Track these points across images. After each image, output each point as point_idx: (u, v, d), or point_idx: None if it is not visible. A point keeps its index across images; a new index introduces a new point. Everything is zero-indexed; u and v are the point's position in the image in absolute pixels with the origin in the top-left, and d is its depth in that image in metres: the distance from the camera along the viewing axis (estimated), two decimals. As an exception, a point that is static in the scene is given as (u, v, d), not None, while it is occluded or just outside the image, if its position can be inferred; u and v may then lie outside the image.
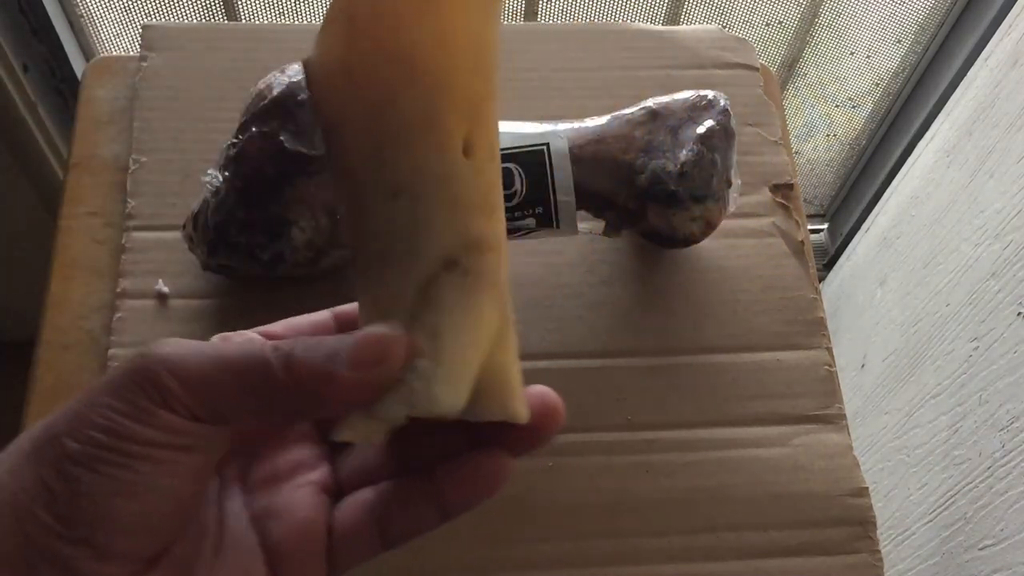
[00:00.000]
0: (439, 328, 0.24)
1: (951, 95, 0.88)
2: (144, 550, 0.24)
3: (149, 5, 0.89)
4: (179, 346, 0.24)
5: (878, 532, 0.45)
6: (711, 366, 0.48)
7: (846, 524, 0.45)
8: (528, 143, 0.42)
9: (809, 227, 0.98)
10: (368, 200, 0.25)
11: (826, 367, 0.49)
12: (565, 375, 0.47)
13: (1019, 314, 0.67)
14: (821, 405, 0.48)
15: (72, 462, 0.22)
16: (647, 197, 0.44)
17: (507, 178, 0.42)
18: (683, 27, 0.59)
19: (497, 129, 0.26)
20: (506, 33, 0.58)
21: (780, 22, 1.00)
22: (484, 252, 0.25)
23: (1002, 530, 0.64)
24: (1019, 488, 0.63)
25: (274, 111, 0.42)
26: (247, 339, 0.27)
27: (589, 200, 0.44)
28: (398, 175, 0.24)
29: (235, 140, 0.43)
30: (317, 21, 0.94)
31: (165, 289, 0.47)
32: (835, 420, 0.47)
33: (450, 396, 0.24)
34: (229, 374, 0.23)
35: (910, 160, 0.95)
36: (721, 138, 0.45)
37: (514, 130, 0.44)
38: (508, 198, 0.42)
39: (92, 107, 0.53)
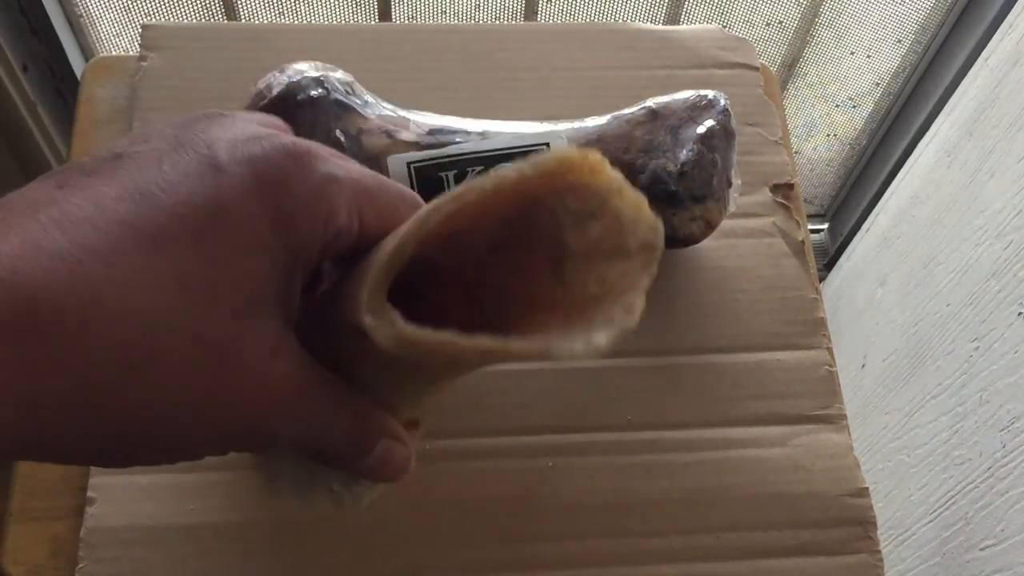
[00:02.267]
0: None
1: (951, 95, 0.88)
2: None
3: (149, 5, 0.89)
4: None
5: (878, 532, 0.45)
6: (711, 366, 0.48)
7: (846, 524, 0.45)
8: (528, 143, 0.42)
9: (809, 227, 0.98)
10: None
11: (826, 367, 0.49)
12: (565, 375, 0.47)
13: (1020, 314, 0.67)
14: (821, 405, 0.48)
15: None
16: (647, 197, 0.44)
17: (507, 178, 0.42)
18: (683, 27, 0.59)
19: None
20: (506, 33, 0.58)
21: (780, 22, 1.00)
22: None
23: (1003, 530, 0.64)
24: (1020, 488, 0.63)
25: (274, 111, 0.42)
26: None
27: (589, 200, 0.44)
28: None
29: (235, 140, 0.43)
30: (317, 21, 0.94)
31: (165, 289, 0.47)
32: (835, 420, 0.47)
33: None
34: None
35: (910, 160, 0.95)
36: (721, 138, 0.45)
37: (514, 130, 0.43)
38: (508, 198, 0.42)
39: (92, 107, 0.53)
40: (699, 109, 0.45)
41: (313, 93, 0.42)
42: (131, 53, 0.56)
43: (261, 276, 0.21)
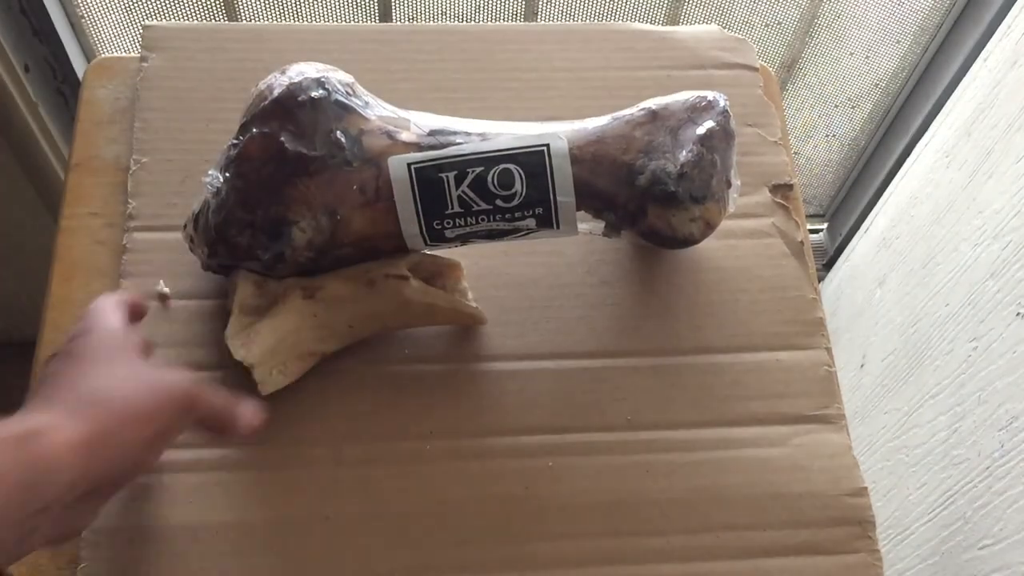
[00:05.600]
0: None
1: (950, 95, 0.88)
2: None
3: (150, 5, 0.89)
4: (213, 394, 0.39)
5: (877, 532, 0.45)
6: (711, 366, 0.48)
7: (845, 524, 0.45)
8: (528, 143, 0.42)
9: (809, 227, 0.98)
10: None
11: (825, 367, 0.49)
12: (565, 375, 0.47)
13: (1018, 314, 0.67)
14: (820, 405, 0.48)
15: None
16: (647, 198, 0.44)
17: (507, 178, 0.42)
18: (683, 27, 0.59)
19: None
20: (506, 33, 0.58)
21: (779, 23, 1.00)
22: None
23: (1001, 530, 0.64)
24: (1018, 488, 0.63)
25: (274, 112, 0.42)
26: None
27: (589, 200, 0.44)
28: None
29: (236, 140, 0.43)
30: (317, 21, 0.94)
31: (166, 290, 0.47)
32: (834, 420, 0.48)
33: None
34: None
35: (909, 160, 0.95)
36: (721, 139, 0.45)
37: (514, 130, 0.44)
38: (508, 199, 0.42)
39: (93, 107, 0.53)
40: (699, 110, 0.45)
41: (314, 94, 0.42)
42: (132, 54, 0.56)
43: None
